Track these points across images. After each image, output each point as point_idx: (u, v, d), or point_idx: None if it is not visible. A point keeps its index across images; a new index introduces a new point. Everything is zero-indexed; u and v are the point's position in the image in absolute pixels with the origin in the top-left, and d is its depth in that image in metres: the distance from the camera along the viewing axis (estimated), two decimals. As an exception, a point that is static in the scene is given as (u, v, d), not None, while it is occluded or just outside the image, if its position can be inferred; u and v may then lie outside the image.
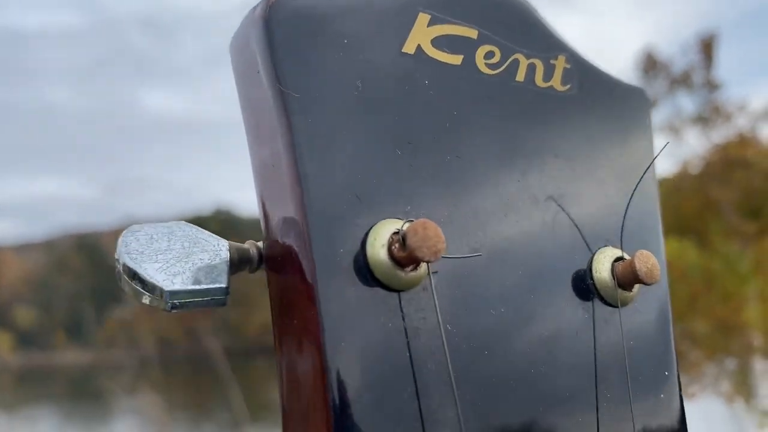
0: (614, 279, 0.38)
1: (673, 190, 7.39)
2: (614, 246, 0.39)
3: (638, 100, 0.42)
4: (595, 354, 0.37)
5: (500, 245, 0.35)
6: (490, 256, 0.35)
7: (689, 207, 7.06)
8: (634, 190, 0.40)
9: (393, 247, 0.31)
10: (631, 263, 0.37)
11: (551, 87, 0.39)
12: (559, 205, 0.38)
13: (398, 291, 0.32)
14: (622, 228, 0.39)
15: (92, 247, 26.61)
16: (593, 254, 0.38)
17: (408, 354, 0.31)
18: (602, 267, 0.38)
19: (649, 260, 0.37)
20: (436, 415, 0.31)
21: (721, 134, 8.34)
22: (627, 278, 0.37)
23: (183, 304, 0.33)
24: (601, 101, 0.40)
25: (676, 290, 5.96)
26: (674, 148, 8.38)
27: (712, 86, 8.53)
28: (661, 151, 0.42)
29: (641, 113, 0.42)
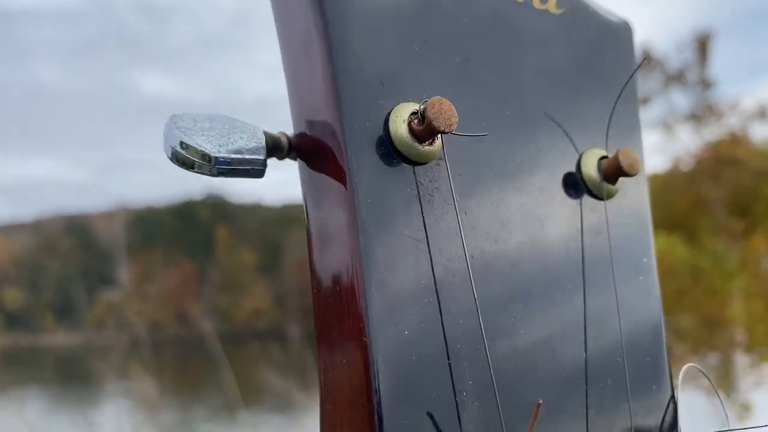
0: (600, 173, 0.42)
1: (664, 187, 7.45)
2: (600, 147, 0.44)
3: (623, 28, 0.47)
4: (582, 240, 0.41)
5: (501, 137, 0.40)
6: (492, 143, 0.40)
7: (680, 204, 7.12)
8: (617, 100, 0.44)
9: (412, 124, 0.36)
10: (615, 158, 0.42)
11: (546, 10, 0.44)
12: (551, 111, 0.43)
13: (415, 164, 0.37)
14: (607, 131, 0.44)
15: (82, 229, 26.48)
16: (581, 154, 0.43)
17: (422, 217, 0.36)
18: (589, 164, 0.43)
19: (631, 155, 0.42)
20: (446, 264, 0.36)
21: (713, 132, 8.39)
22: (611, 172, 0.42)
23: (227, 171, 0.38)
24: (590, 25, 0.45)
25: (663, 285, 6.02)
26: (666, 145, 8.42)
27: (705, 84, 8.58)
28: (640, 65, 0.46)
29: (625, 39, 0.47)
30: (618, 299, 0.42)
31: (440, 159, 0.37)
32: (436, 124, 0.35)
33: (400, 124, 0.36)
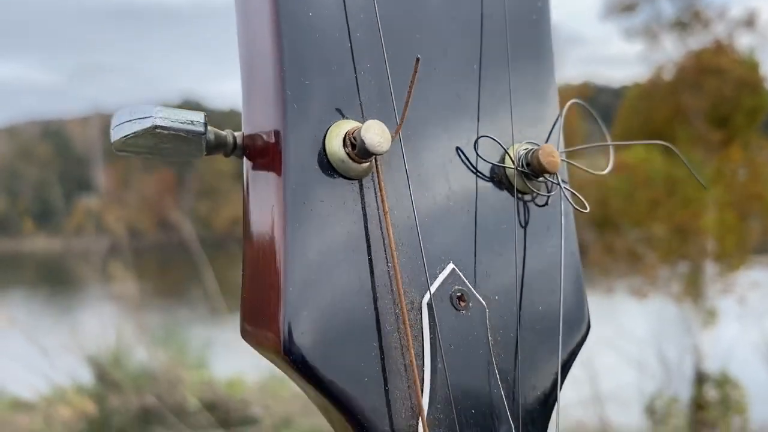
0: None
1: (645, 96, 7.43)
2: None
3: None
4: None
5: None
6: None
7: (659, 114, 7.12)
8: None
9: None
10: None
11: None
12: None
13: None
14: None
15: (58, 134, 25.99)
16: None
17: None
18: None
19: None
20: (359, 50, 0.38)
21: (698, 41, 8.27)
22: None
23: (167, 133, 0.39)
24: None
25: (638, 196, 6.10)
26: (651, 55, 8.34)
27: (693, -10, 8.40)
28: None
29: None
30: (510, 55, 0.43)
31: None
32: None
33: None
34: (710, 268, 5.72)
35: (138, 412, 3.78)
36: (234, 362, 4.76)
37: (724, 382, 4.81)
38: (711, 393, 4.84)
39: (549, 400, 0.40)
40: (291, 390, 4.17)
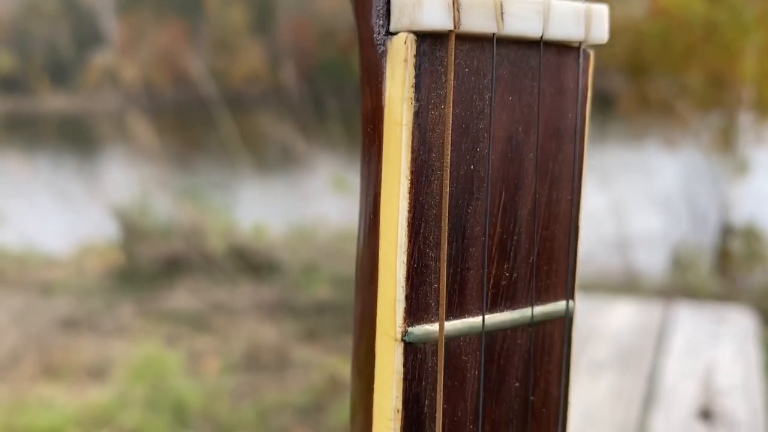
0: None
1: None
2: None
3: None
4: None
5: None
6: None
7: (703, -48, 6.64)
8: None
9: None
10: None
11: None
12: None
13: None
14: None
15: (64, -12, 25.20)
16: None
17: None
18: None
19: None
20: None
21: None
22: None
23: None
24: None
25: (674, 40, 5.79)
26: None
27: None
28: None
29: None
30: None
31: None
32: None
33: None
34: (744, 118, 5.54)
35: (166, 261, 3.85)
36: (258, 213, 4.82)
37: (749, 233, 4.81)
38: (736, 244, 4.85)
39: None
40: (316, 238, 4.22)
